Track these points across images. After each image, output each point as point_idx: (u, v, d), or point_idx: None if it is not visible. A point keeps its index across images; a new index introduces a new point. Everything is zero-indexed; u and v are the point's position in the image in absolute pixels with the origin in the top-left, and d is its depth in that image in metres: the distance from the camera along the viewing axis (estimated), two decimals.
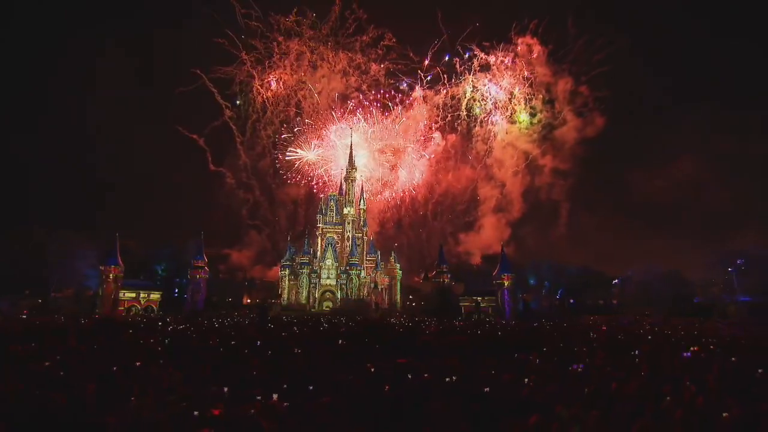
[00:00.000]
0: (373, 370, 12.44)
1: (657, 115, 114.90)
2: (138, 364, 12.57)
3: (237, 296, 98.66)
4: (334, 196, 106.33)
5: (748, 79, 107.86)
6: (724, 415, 7.29)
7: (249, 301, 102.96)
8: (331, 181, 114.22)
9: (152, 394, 8.64)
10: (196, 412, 7.27)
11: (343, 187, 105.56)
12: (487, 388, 10.05)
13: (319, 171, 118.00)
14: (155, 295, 74.88)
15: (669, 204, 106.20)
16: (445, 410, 7.86)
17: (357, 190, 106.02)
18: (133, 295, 71.16)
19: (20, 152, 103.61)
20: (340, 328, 28.89)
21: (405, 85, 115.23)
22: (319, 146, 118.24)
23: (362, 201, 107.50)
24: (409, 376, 11.98)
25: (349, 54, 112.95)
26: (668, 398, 8.45)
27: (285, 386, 9.88)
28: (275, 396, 8.82)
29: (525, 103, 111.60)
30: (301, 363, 13.75)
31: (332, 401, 8.61)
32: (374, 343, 18.42)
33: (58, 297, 65.76)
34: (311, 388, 9.91)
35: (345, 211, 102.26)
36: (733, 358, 14.89)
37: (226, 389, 9.10)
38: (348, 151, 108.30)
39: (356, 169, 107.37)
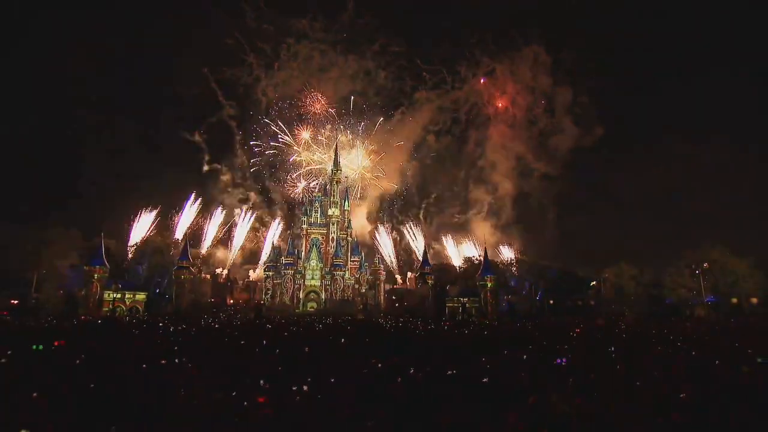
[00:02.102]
0: (380, 365, 13.79)
1: (642, 123, 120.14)
2: (163, 362, 13.61)
3: (220, 297, 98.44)
4: (318, 197, 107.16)
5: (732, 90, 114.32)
6: (682, 395, 8.96)
7: (232, 301, 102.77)
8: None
9: (198, 387, 9.83)
10: (245, 402, 8.51)
11: (328, 188, 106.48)
12: (485, 379, 11.56)
13: (309, 171, 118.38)
14: (140, 296, 74.44)
15: (648, 209, 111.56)
16: (458, 395, 9.32)
17: (342, 191, 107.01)
18: (118, 295, 70.59)
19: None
20: (334, 328, 30.17)
21: (408, 88, 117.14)
22: (310, 147, 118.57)
23: (346, 202, 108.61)
24: (412, 371, 13.35)
25: (358, 58, 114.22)
26: (638, 384, 10.13)
27: (309, 379, 11.16)
28: (305, 387, 10.11)
29: (527, 111, 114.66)
30: (313, 359, 15.02)
31: (353, 391, 9.97)
32: (373, 343, 19.83)
33: (39, 297, 64.84)
34: (332, 380, 11.23)
35: (330, 212, 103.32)
36: (693, 353, 16.83)
37: (262, 382, 10.32)
38: (335, 153, 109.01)
39: (341, 170, 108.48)
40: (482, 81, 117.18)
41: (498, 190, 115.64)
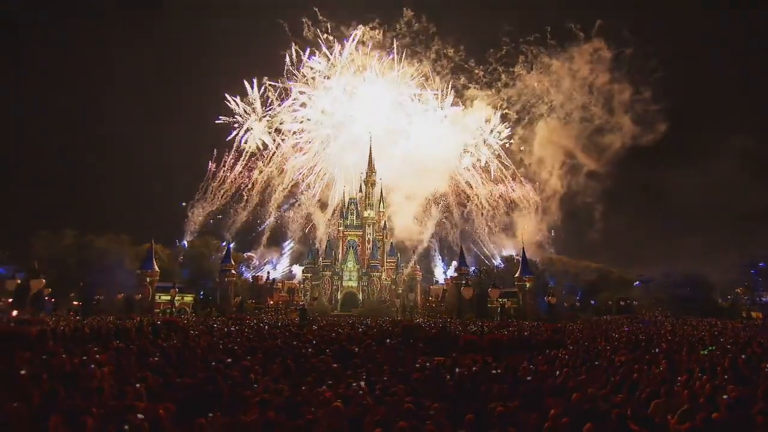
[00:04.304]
0: (428, 364, 14.67)
1: (694, 115, 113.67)
2: (229, 360, 15.00)
3: (261, 298, 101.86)
4: (354, 199, 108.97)
5: None
6: (724, 397, 9.30)
7: (272, 302, 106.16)
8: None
9: (268, 383, 11.04)
10: (315, 396, 9.60)
11: (364, 189, 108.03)
12: (529, 377, 12.22)
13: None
14: (188, 298, 78.59)
15: (698, 206, 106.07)
16: (504, 392, 10.07)
17: (377, 192, 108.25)
18: (168, 297, 74.77)
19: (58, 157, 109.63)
20: (376, 329, 31.28)
21: (461, 86, 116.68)
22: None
23: (382, 203, 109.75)
24: (457, 370, 14.13)
25: (416, 63, 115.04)
26: (679, 382, 10.49)
27: (364, 377, 12.19)
28: (362, 383, 11.13)
29: (583, 108, 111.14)
30: (364, 358, 16.07)
31: (406, 388, 10.88)
32: (418, 343, 20.74)
33: (101, 299, 69.84)
34: (385, 378, 12.20)
35: (365, 213, 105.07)
36: (743, 356, 16.63)
37: (329, 379, 11.43)
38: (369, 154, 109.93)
39: (376, 172, 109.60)
40: (537, 78, 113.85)
41: (544, 189, 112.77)
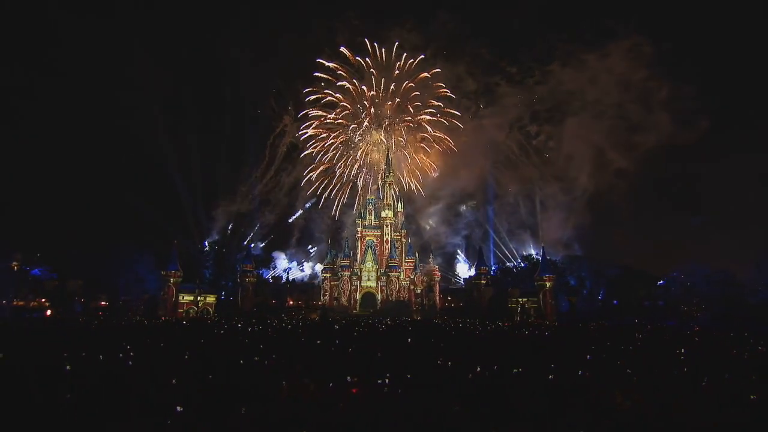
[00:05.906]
0: (448, 363, 14.82)
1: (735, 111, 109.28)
2: (256, 358, 15.45)
3: (280, 298, 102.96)
4: (372, 200, 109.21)
5: None
6: (752, 397, 9.23)
7: (291, 302, 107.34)
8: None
9: (296, 379, 11.40)
10: (341, 392, 9.89)
11: (382, 190, 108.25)
12: (551, 376, 12.27)
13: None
14: (210, 298, 79.92)
15: (731, 203, 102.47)
16: (524, 391, 10.18)
17: (395, 193, 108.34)
18: (191, 298, 76.20)
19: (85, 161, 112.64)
20: (396, 328, 31.51)
21: (493, 85, 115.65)
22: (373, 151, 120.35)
23: (400, 204, 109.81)
24: (478, 368, 14.23)
25: (450, 65, 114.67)
26: (704, 382, 10.41)
27: (388, 374, 12.43)
28: (387, 380, 11.38)
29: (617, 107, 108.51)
30: (387, 357, 16.33)
31: (430, 385, 11.09)
32: (438, 342, 20.85)
33: (127, 300, 71.87)
34: (409, 376, 12.42)
35: (383, 214, 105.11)
36: None
37: (354, 376, 11.72)
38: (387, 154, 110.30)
39: (393, 172, 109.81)
40: (572, 74, 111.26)
41: (572, 186, 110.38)
